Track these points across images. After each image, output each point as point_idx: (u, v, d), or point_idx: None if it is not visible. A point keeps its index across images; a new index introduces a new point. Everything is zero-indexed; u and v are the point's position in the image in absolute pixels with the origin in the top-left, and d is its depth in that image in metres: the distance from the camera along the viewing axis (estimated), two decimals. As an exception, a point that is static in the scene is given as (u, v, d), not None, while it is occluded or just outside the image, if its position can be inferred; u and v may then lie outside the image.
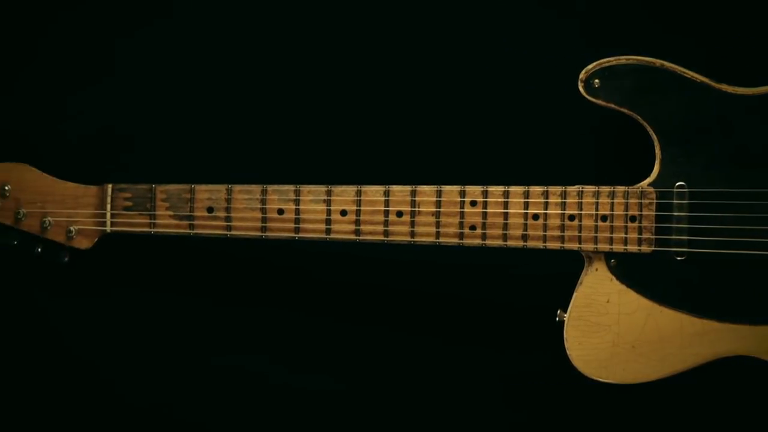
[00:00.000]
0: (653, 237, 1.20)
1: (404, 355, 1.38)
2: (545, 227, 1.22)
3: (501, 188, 1.22)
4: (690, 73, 1.19)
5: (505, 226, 1.22)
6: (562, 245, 1.22)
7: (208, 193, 1.25)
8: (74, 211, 1.26)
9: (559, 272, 1.25)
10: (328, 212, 1.24)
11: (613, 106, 1.20)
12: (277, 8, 1.35)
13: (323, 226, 1.24)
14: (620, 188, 1.21)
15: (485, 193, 1.22)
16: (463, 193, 1.23)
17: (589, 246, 1.21)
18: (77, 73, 1.37)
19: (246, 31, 1.35)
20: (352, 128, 1.36)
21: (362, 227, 1.23)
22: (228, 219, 1.25)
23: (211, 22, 1.35)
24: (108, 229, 1.26)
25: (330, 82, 1.35)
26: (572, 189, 1.21)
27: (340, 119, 1.36)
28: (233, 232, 1.25)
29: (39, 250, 1.26)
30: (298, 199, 1.24)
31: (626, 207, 1.21)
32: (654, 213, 1.20)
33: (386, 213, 1.23)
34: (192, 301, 1.39)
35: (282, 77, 1.36)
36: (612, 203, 1.21)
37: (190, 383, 1.39)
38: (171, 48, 1.36)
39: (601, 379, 1.22)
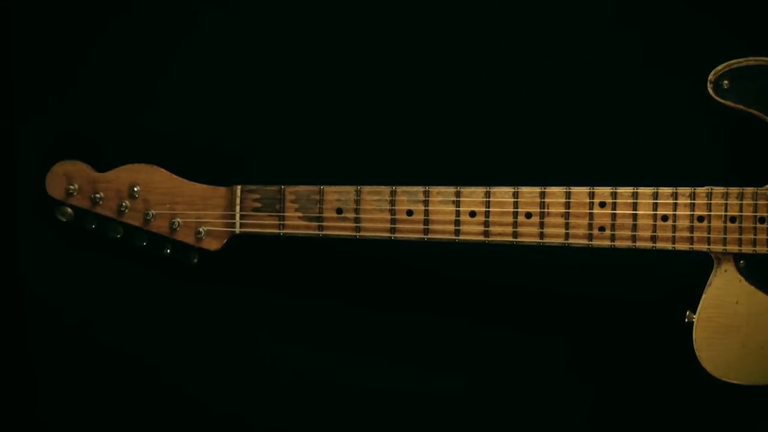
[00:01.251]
0: (782, 238, 1.20)
1: (530, 355, 1.38)
2: (674, 228, 1.22)
3: (630, 189, 1.22)
4: (822, 74, 1.19)
5: (634, 227, 1.22)
6: (690, 246, 1.22)
7: (337, 194, 1.25)
8: (203, 212, 1.26)
9: (676, 273, 1.25)
10: (457, 213, 1.24)
11: (742, 107, 1.20)
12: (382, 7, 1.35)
13: (452, 228, 1.24)
14: (749, 189, 1.21)
15: (614, 195, 1.22)
16: (592, 194, 1.22)
17: (717, 247, 1.21)
18: (199, 79, 1.37)
19: (350, 32, 1.35)
20: (463, 128, 1.36)
21: (491, 228, 1.23)
22: (357, 220, 1.25)
23: (307, 24, 1.35)
24: (237, 230, 1.26)
25: (451, 83, 1.35)
26: (701, 190, 1.21)
27: (452, 120, 1.36)
28: (362, 233, 1.25)
29: (168, 251, 1.26)
30: (427, 200, 1.24)
31: (755, 208, 1.21)
32: (783, 214, 1.20)
33: (515, 214, 1.23)
34: (319, 302, 1.39)
35: (401, 77, 1.35)
36: (741, 204, 1.21)
37: (318, 384, 1.39)
38: (279, 48, 1.36)
39: (729, 381, 1.22)
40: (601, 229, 1.22)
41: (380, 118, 1.36)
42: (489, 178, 1.24)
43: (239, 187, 1.25)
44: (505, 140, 1.36)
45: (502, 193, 1.23)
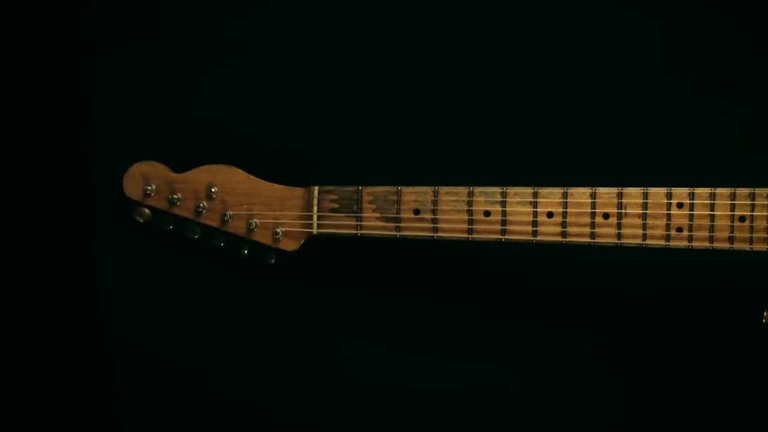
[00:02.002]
0: None
1: (608, 356, 1.38)
2: (751, 229, 1.22)
3: (707, 190, 1.22)
4: None
5: (712, 228, 1.22)
6: (768, 247, 1.22)
7: (414, 194, 1.25)
8: (280, 212, 1.26)
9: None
10: (534, 214, 1.23)
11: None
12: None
13: (530, 228, 1.24)
14: (828, 190, 1.21)
15: (691, 195, 1.22)
16: (669, 195, 1.22)
17: (797, 248, 1.21)
18: (276, 79, 1.37)
19: (425, 32, 1.35)
20: (538, 128, 1.35)
21: (569, 229, 1.23)
22: (434, 221, 1.25)
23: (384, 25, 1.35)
24: (315, 231, 1.26)
25: (522, 84, 1.35)
26: (779, 191, 1.21)
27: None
28: (439, 234, 1.25)
29: (245, 251, 1.27)
30: (505, 201, 1.24)
31: (833, 209, 1.21)
32: None
33: (592, 215, 1.23)
34: (395, 303, 1.39)
35: (477, 77, 1.35)
36: (819, 204, 1.21)
37: (393, 385, 1.39)
38: (356, 47, 1.36)
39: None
40: (679, 230, 1.22)
41: (455, 118, 1.35)
42: (567, 178, 1.24)
43: (317, 187, 1.25)
44: (582, 142, 1.35)
45: (580, 194, 1.23)
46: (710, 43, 1.31)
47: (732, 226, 1.22)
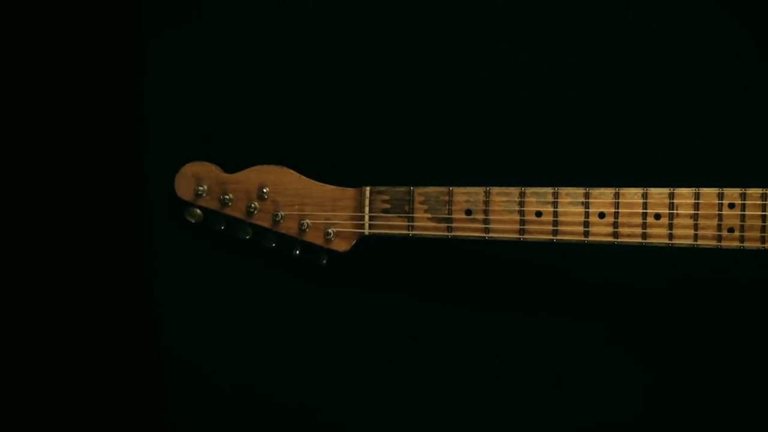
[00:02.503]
0: None
1: (662, 358, 1.38)
2: (803, 229, 1.22)
3: (759, 190, 1.22)
4: None
5: (763, 229, 1.22)
6: (820, 247, 1.22)
7: (466, 195, 1.25)
8: (332, 213, 1.26)
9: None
10: (586, 215, 1.23)
11: None
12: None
13: (581, 229, 1.24)
14: None
15: (743, 195, 1.22)
16: (721, 195, 1.22)
17: None
18: (325, 80, 1.37)
19: (478, 33, 1.34)
20: (587, 128, 1.35)
21: (620, 230, 1.23)
22: (486, 221, 1.25)
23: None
24: (366, 231, 1.26)
25: (576, 84, 1.35)
26: (830, 191, 1.21)
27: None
28: (491, 235, 1.25)
29: (297, 252, 1.27)
30: (556, 201, 1.24)
31: None
32: None
33: (644, 215, 1.23)
34: (446, 304, 1.39)
35: (529, 78, 1.35)
36: None
37: (446, 385, 1.39)
38: (407, 48, 1.36)
39: None
40: (731, 230, 1.22)
41: (506, 118, 1.35)
42: (618, 179, 1.24)
43: (368, 188, 1.25)
44: (633, 143, 1.35)
45: (631, 194, 1.23)
46: (730, 43, 1.31)
47: (783, 227, 1.22)
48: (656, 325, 1.37)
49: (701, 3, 1.31)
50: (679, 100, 1.33)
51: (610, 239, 1.24)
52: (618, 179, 1.24)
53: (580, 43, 1.33)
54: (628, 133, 1.35)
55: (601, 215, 1.23)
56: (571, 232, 1.24)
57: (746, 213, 1.22)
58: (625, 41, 1.33)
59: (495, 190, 1.24)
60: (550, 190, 1.24)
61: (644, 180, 1.24)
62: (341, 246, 1.27)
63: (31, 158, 1.40)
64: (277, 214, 1.26)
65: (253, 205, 1.26)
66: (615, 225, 1.23)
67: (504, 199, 1.24)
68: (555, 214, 1.24)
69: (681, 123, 1.34)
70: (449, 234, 1.25)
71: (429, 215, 1.25)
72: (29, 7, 1.37)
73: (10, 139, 1.39)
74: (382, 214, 1.26)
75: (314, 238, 1.27)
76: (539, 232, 1.24)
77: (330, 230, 1.26)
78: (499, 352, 1.39)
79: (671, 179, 1.24)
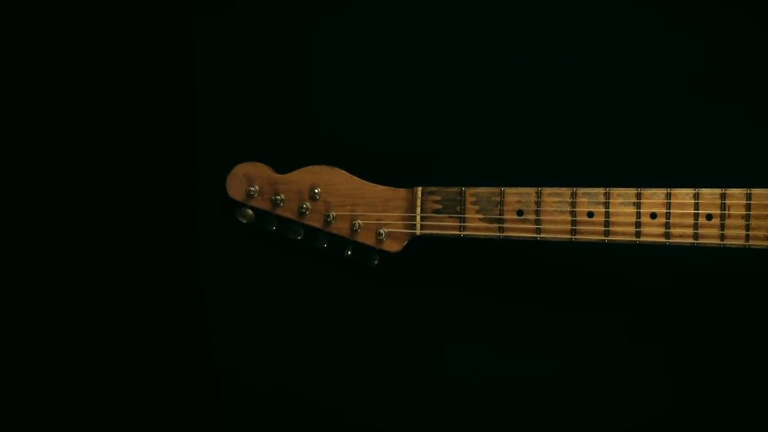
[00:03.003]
0: None
1: (717, 359, 1.38)
2: None
3: (810, 191, 1.22)
4: None
5: (816, 229, 1.22)
6: None
7: (517, 195, 1.25)
8: (384, 213, 1.26)
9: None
10: (638, 215, 1.23)
11: None
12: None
13: (633, 229, 1.23)
14: None
15: (795, 196, 1.22)
16: (773, 196, 1.22)
17: None
18: (376, 81, 1.37)
19: (531, 36, 1.35)
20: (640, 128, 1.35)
21: (672, 230, 1.23)
22: (538, 222, 1.25)
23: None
24: (418, 232, 1.26)
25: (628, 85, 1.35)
26: None
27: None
28: (543, 235, 1.25)
29: (349, 252, 1.27)
30: (608, 202, 1.24)
31: None
32: None
33: (695, 216, 1.23)
34: (496, 304, 1.39)
35: (582, 81, 1.35)
36: None
37: (497, 387, 1.39)
38: (459, 49, 1.36)
39: None
40: (783, 230, 1.22)
41: (557, 119, 1.35)
42: (670, 179, 1.24)
43: (420, 188, 1.25)
44: (684, 142, 1.35)
45: (683, 195, 1.23)
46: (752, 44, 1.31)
47: (835, 227, 1.22)
48: (709, 325, 1.37)
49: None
50: (708, 100, 1.33)
51: (662, 240, 1.23)
52: (669, 179, 1.24)
53: (623, 47, 1.33)
54: (676, 134, 1.35)
55: (653, 215, 1.23)
56: (623, 232, 1.24)
57: (798, 213, 1.22)
58: (653, 41, 1.33)
59: (547, 190, 1.24)
60: (601, 190, 1.24)
61: (692, 180, 1.24)
62: (393, 246, 1.27)
63: (86, 160, 1.40)
64: (328, 215, 1.26)
65: (304, 205, 1.26)
66: (666, 225, 1.23)
67: (556, 199, 1.24)
68: (606, 214, 1.24)
69: (711, 123, 1.33)
70: (500, 234, 1.25)
71: (480, 216, 1.25)
72: (82, 7, 1.37)
73: (66, 140, 1.39)
74: (433, 215, 1.26)
75: (366, 238, 1.26)
76: (591, 232, 1.24)
77: (381, 231, 1.26)
78: (548, 353, 1.38)
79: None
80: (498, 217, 1.25)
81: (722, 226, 1.22)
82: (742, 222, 1.22)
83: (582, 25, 1.33)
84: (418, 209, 1.26)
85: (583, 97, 1.34)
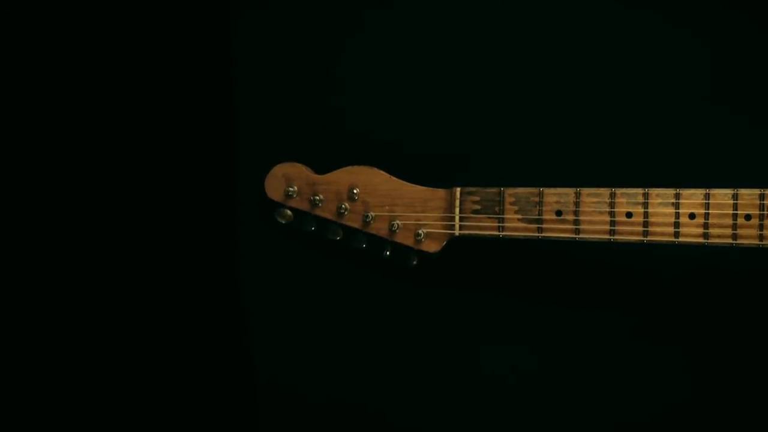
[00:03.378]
0: None
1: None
2: None
3: None
4: None
5: None
6: None
7: (556, 196, 1.25)
8: (422, 214, 1.26)
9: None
10: (677, 215, 1.23)
11: None
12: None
13: (671, 230, 1.23)
14: None
15: (836, 195, 1.22)
16: (813, 196, 1.22)
17: None
18: (414, 81, 1.37)
19: (567, 35, 1.35)
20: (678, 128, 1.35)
21: (711, 230, 1.23)
22: (576, 222, 1.24)
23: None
24: (457, 232, 1.26)
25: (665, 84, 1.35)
26: None
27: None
28: (581, 236, 1.25)
29: (387, 253, 1.27)
30: (647, 202, 1.23)
31: None
32: None
33: (734, 216, 1.23)
34: (535, 305, 1.39)
35: (621, 80, 1.35)
36: None
37: (535, 388, 1.39)
38: (497, 49, 1.36)
39: None
40: (822, 231, 1.22)
41: (596, 119, 1.35)
42: (708, 179, 1.24)
43: (458, 189, 1.25)
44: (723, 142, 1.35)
45: (722, 195, 1.23)
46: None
47: None
48: (752, 325, 1.37)
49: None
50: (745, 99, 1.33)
51: (701, 240, 1.23)
52: (707, 180, 1.24)
53: (655, 45, 1.34)
54: (713, 134, 1.35)
55: (692, 216, 1.23)
56: (662, 233, 1.24)
57: (838, 213, 1.22)
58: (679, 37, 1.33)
59: (585, 191, 1.24)
60: (640, 191, 1.23)
61: (731, 180, 1.24)
62: (431, 247, 1.27)
63: (127, 161, 1.40)
64: (367, 215, 1.26)
65: (343, 206, 1.26)
66: (705, 226, 1.23)
67: (594, 200, 1.24)
68: (645, 215, 1.23)
69: (749, 122, 1.34)
70: (539, 235, 1.25)
71: (519, 216, 1.25)
72: (124, 8, 1.38)
73: (107, 141, 1.40)
74: (472, 215, 1.26)
75: (404, 238, 1.27)
76: (630, 233, 1.24)
77: (420, 231, 1.26)
78: (586, 353, 1.38)
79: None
80: (537, 217, 1.25)
81: (761, 227, 1.22)
82: (782, 222, 1.22)
83: (611, 26, 1.33)
84: (457, 209, 1.26)
85: (620, 97, 1.34)
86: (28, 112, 1.39)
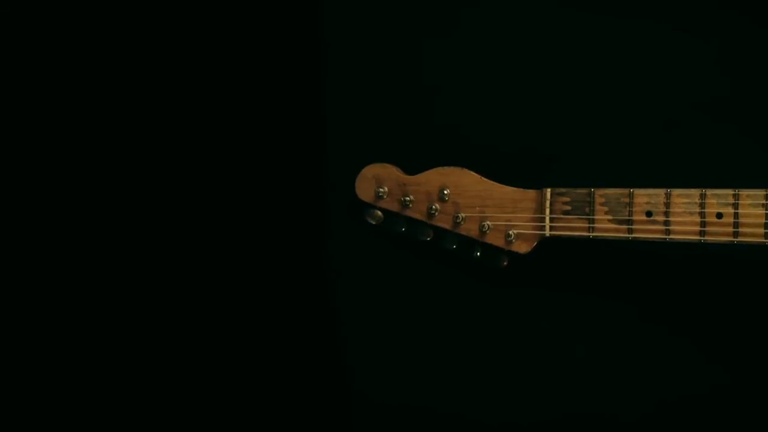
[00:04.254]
0: None
1: None
2: None
3: None
4: None
5: None
6: None
7: (647, 197, 1.25)
8: (513, 215, 1.27)
9: None
10: (767, 216, 1.23)
11: None
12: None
13: (762, 231, 1.23)
14: None
15: None
16: None
17: None
18: (504, 82, 1.37)
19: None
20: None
21: (801, 232, 1.23)
22: (666, 223, 1.24)
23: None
24: (547, 233, 1.26)
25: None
26: None
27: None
28: (671, 237, 1.25)
29: (478, 254, 1.27)
30: (737, 203, 1.23)
31: None
32: None
33: (825, 217, 1.23)
34: (621, 306, 1.39)
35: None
36: None
37: (628, 390, 1.39)
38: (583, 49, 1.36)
39: None
40: None
41: (683, 120, 1.35)
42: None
43: (549, 190, 1.26)
44: None
45: (814, 196, 1.23)
46: None
47: None
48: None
49: None
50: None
51: (791, 241, 1.23)
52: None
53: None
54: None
55: (783, 216, 1.23)
56: (752, 233, 1.23)
57: None
58: None
59: (675, 191, 1.24)
60: (730, 191, 1.23)
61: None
62: (522, 247, 1.27)
63: (219, 162, 1.42)
64: (457, 216, 1.26)
65: (433, 206, 1.26)
66: (796, 227, 1.23)
67: (685, 200, 1.24)
68: (735, 215, 1.23)
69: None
70: (629, 236, 1.25)
71: (609, 217, 1.25)
72: (216, 9, 1.39)
73: (201, 142, 1.41)
74: (562, 216, 1.26)
75: (495, 239, 1.27)
76: (720, 233, 1.24)
77: (511, 232, 1.26)
78: (675, 355, 1.38)
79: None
80: (627, 218, 1.25)
81: None
82: None
83: (705, 24, 1.34)
84: (547, 210, 1.26)
85: (708, 97, 1.34)
86: (121, 110, 1.41)
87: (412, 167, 1.27)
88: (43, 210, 1.43)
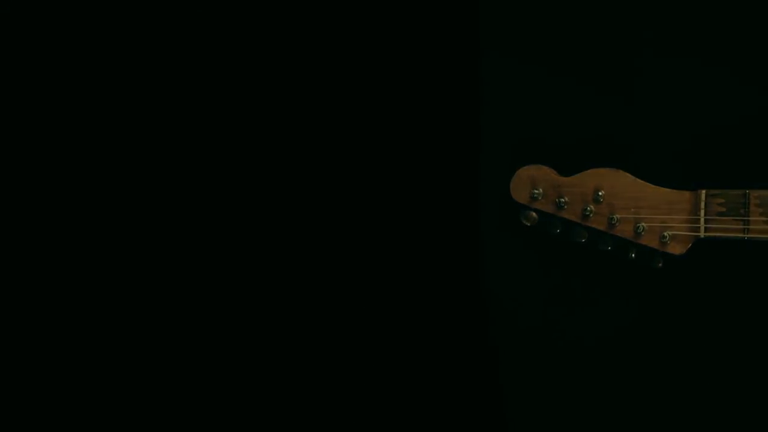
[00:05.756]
0: None
1: None
2: None
3: None
4: None
5: None
6: None
7: (803, 199, 1.25)
8: (668, 216, 1.27)
9: None
10: None
11: None
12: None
13: None
14: None
15: None
16: None
17: None
18: (658, 82, 1.38)
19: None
20: None
21: None
22: (821, 224, 1.25)
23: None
24: (702, 234, 1.26)
25: None
26: None
27: None
28: (825, 238, 1.25)
29: (633, 255, 1.27)
30: None
31: None
32: None
33: None
34: None
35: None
36: None
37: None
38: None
39: None
40: None
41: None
42: None
43: (704, 191, 1.26)
44: None
45: None
46: None
47: None
48: None
49: None
50: None
51: None
52: None
53: None
54: None
55: None
56: None
57: None
58: None
59: (830, 193, 1.25)
60: None
61: None
62: (676, 249, 1.27)
63: (374, 163, 1.44)
64: (612, 217, 1.27)
65: (588, 208, 1.27)
66: None
67: (837, 201, 1.25)
68: None
69: None
70: (785, 237, 1.26)
71: (764, 218, 1.25)
72: (380, 12, 1.41)
73: (356, 142, 1.44)
74: (716, 217, 1.26)
75: (649, 241, 1.27)
76: None
77: (666, 233, 1.26)
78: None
79: None
80: (782, 220, 1.25)
81: None
82: None
83: None
84: (702, 211, 1.26)
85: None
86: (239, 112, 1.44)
87: (563, 169, 1.28)
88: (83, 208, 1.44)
